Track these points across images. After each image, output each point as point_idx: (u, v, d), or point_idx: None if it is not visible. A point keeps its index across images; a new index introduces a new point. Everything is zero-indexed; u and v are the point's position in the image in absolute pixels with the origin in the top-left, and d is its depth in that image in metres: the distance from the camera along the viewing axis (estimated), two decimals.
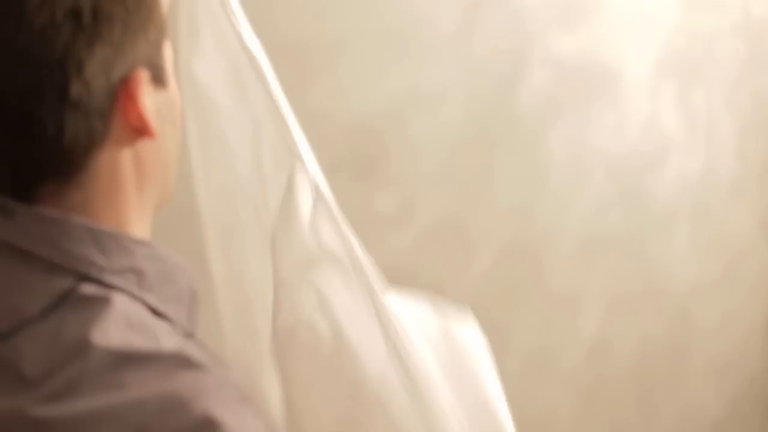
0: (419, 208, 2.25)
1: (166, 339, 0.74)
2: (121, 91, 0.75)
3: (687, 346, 3.01)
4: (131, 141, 0.78)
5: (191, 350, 0.74)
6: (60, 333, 0.69)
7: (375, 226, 2.16)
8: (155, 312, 0.77)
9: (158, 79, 0.81)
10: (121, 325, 0.71)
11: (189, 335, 0.80)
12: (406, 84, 2.17)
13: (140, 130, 0.77)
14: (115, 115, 0.76)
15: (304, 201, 1.14)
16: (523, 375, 2.53)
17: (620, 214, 2.71)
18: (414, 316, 1.14)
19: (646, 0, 2.68)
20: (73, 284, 0.73)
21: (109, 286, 0.74)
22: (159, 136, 0.80)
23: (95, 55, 0.72)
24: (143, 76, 0.77)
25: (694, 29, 2.83)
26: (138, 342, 0.71)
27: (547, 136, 2.48)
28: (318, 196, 1.14)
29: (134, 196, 0.80)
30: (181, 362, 0.70)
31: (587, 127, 2.57)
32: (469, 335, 1.23)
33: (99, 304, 0.72)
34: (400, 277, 2.20)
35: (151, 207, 0.84)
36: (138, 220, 0.81)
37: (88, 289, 0.73)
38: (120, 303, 0.73)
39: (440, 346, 1.18)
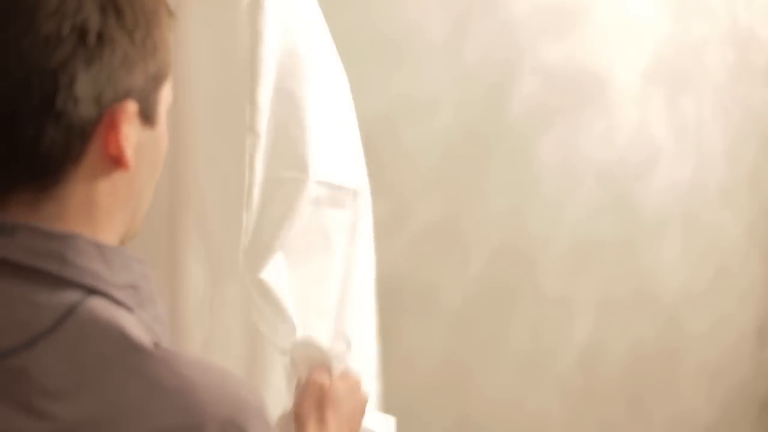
0: (412, 214, 2.26)
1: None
2: (106, 117, 0.76)
3: (678, 352, 3.02)
4: (107, 168, 0.79)
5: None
6: (81, 343, 0.71)
7: None
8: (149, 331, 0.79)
9: (148, 116, 0.82)
10: (141, 333, 0.74)
11: None
12: (397, 93, 2.18)
13: (116, 160, 0.78)
14: (96, 138, 0.76)
15: None
16: (516, 378, 2.54)
17: (611, 221, 2.72)
18: None
19: (635, 9, 2.70)
20: (81, 297, 0.74)
21: (116, 301, 0.76)
22: (135, 171, 0.82)
23: (90, 74, 0.74)
24: (132, 108, 0.78)
25: (682, 37, 2.85)
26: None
27: (538, 144, 2.50)
28: None
29: (104, 222, 0.81)
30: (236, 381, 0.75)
31: (577, 134, 2.59)
32: None
33: (114, 315, 0.73)
34: (393, 284, 2.22)
35: (117, 237, 0.85)
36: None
37: (97, 302, 0.74)
38: (129, 317, 0.75)
39: None
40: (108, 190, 0.80)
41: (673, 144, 2.87)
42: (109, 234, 0.82)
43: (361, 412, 1.21)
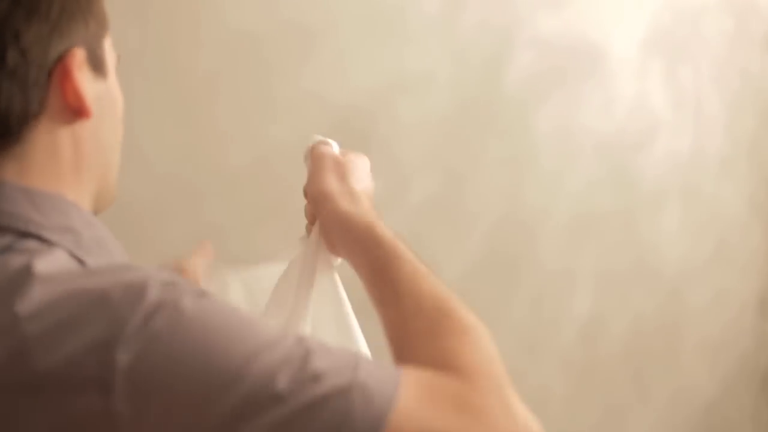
0: (409, 189, 2.25)
1: None
2: (58, 68, 0.78)
3: (679, 325, 3.01)
4: (68, 119, 0.80)
5: None
6: (3, 269, 0.70)
7: None
8: None
9: (98, 68, 0.83)
10: (62, 262, 0.73)
11: None
12: (393, 65, 2.16)
13: (77, 110, 0.80)
14: (52, 90, 0.78)
15: None
16: (516, 353, 2.53)
17: (610, 193, 2.71)
18: None
19: None
20: (13, 240, 0.74)
21: (50, 242, 0.76)
22: (97, 122, 0.83)
23: (32, 28, 0.76)
24: (80, 56, 0.79)
25: (680, 6, 2.82)
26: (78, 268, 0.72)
27: (536, 116, 2.48)
28: None
29: (71, 178, 0.82)
30: (125, 266, 0.71)
31: (575, 106, 2.57)
32: None
33: (42, 249, 0.73)
34: None
35: (89, 195, 0.85)
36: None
37: (29, 243, 0.74)
38: (61, 254, 0.74)
39: None
40: (71, 143, 0.81)
41: (672, 114, 2.86)
42: (79, 192, 0.83)
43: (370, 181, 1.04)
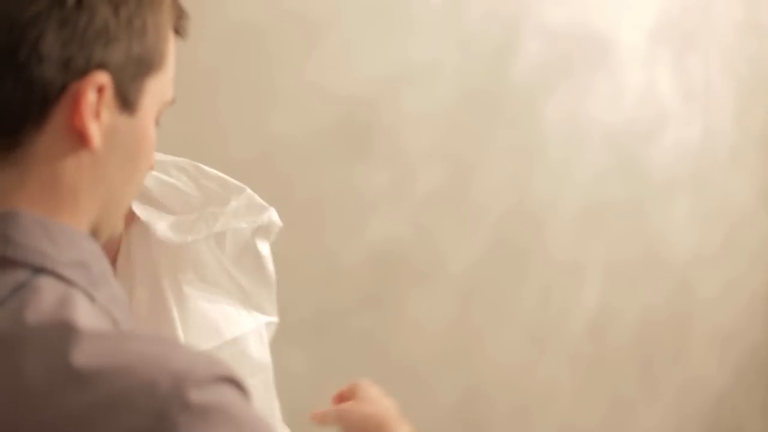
0: (416, 179, 2.23)
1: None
2: (74, 87, 0.74)
3: (689, 315, 3.00)
4: (73, 142, 0.76)
5: None
6: (24, 314, 0.68)
7: (371, 200, 2.14)
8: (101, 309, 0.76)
9: (127, 101, 0.79)
10: (97, 317, 0.71)
11: None
12: (398, 55, 2.14)
13: (80, 135, 0.75)
14: (62, 106, 0.74)
15: None
16: (524, 344, 2.52)
17: (619, 183, 2.69)
18: None
19: None
20: (28, 276, 0.72)
21: (66, 280, 0.73)
22: (104, 154, 0.79)
23: (60, 36, 0.72)
24: (101, 79, 0.75)
25: None
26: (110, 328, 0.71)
27: (543, 106, 2.46)
28: None
29: (69, 202, 0.78)
30: (170, 343, 0.70)
31: (583, 95, 2.55)
32: None
33: (64, 292, 0.71)
34: (399, 250, 2.19)
35: (87, 222, 0.81)
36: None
37: (44, 280, 0.72)
38: (78, 295, 0.72)
39: None
40: (73, 167, 0.77)
41: (681, 104, 2.84)
42: (76, 217, 0.79)
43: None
